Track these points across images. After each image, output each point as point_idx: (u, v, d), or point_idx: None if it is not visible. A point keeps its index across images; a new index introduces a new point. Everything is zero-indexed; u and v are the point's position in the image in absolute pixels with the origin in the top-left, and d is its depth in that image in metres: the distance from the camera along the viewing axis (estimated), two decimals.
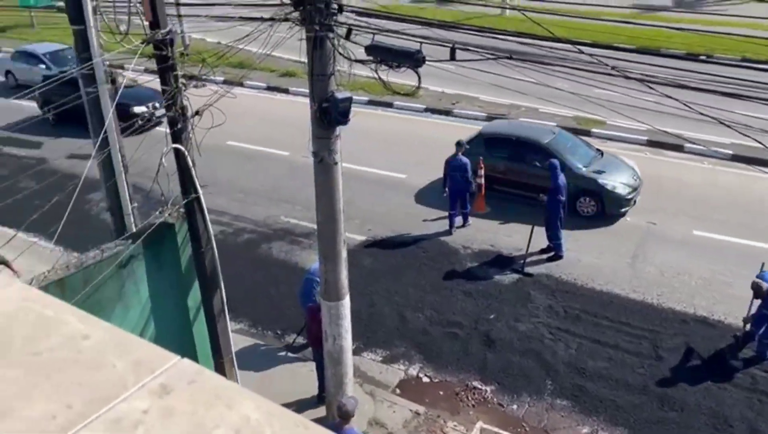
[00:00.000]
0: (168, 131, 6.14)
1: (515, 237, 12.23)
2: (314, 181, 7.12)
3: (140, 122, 6.85)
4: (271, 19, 6.28)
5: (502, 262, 11.66)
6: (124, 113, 9.54)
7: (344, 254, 7.34)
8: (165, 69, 5.96)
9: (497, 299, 10.68)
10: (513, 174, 13.21)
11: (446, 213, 12.76)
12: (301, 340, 9.81)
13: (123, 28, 6.14)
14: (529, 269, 11.37)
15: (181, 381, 1.06)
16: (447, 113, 18.76)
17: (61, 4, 26.93)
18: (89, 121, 6.29)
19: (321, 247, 7.31)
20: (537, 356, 9.44)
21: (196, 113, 6.16)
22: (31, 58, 21.21)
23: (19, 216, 10.67)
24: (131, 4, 5.96)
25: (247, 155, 16.19)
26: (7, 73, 21.76)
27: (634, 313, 10.27)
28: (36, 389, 1.03)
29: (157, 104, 16.29)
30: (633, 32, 19.04)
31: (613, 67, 6.29)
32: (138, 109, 16.30)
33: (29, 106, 18.20)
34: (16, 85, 20.86)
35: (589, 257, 11.73)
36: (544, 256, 11.75)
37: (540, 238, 11.66)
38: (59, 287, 5.27)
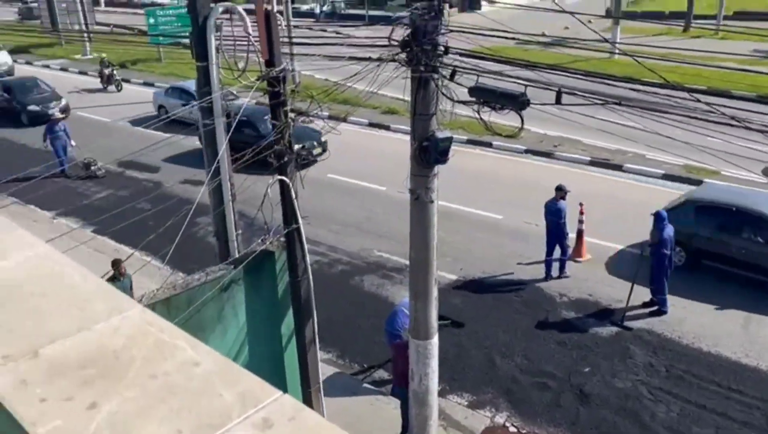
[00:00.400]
0: (275, 163, 6.41)
1: (616, 288, 11.68)
2: (410, 218, 7.17)
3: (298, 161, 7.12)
4: (379, 59, 6.47)
5: (600, 313, 11.15)
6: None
7: (435, 292, 7.30)
8: (276, 105, 6.27)
9: (593, 352, 10.19)
10: (730, 249, 11.47)
11: (543, 258, 12.42)
12: (385, 375, 9.79)
13: (241, 65, 6.53)
14: (629, 323, 10.80)
15: (283, 417, 1.09)
16: (548, 155, 18.40)
17: (186, 41, 28.75)
18: (204, 151, 6.70)
19: (412, 284, 7.31)
20: (634, 416, 8.89)
21: (303, 146, 6.41)
22: (184, 93, 21.88)
23: (135, 236, 11.43)
24: (250, 44, 6.34)
25: (346, 188, 16.58)
26: (160, 107, 22.82)
27: (746, 380, 9.46)
28: (151, 410, 1.09)
29: (315, 142, 16.22)
30: (754, 80, 18.01)
31: (732, 117, 5.96)
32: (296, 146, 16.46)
33: (167, 136, 19.63)
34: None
35: (695, 316, 10.99)
36: (647, 310, 11.14)
37: (643, 291, 11.08)
38: (165, 305, 5.58)
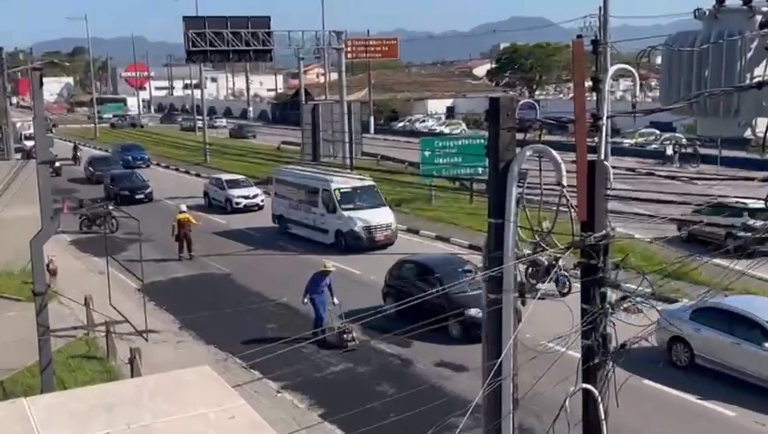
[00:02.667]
0: (580, 364, 6.31)
1: None
2: None
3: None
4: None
5: None
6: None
7: None
8: (590, 283, 6.26)
9: None
10: None
11: None
12: None
13: (546, 225, 6.72)
14: None
15: None
16: None
17: (462, 177, 30.36)
18: (483, 335, 6.87)
19: None
20: None
21: (623, 346, 6.25)
22: None
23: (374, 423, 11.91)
24: (561, 197, 6.53)
25: (659, 399, 15.63)
26: None
27: None
28: None
29: None
30: None
31: None
32: None
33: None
34: None
35: None
36: None
37: None
38: None
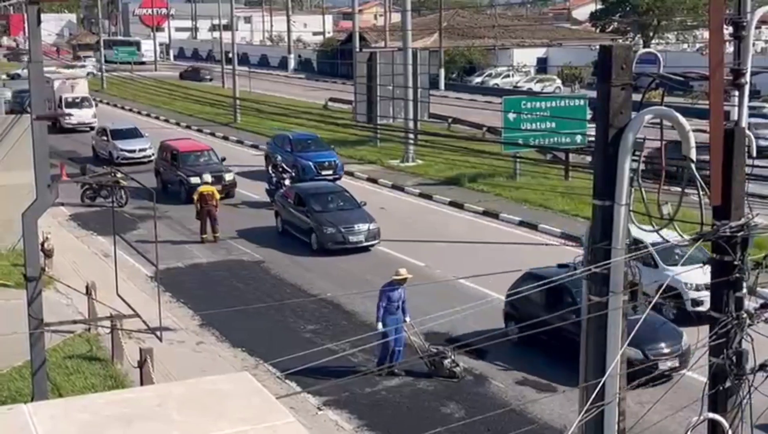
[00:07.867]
0: (706, 388, 6.25)
1: None
2: None
3: None
4: None
5: None
6: None
7: None
8: (723, 285, 6.18)
9: None
10: None
11: None
12: None
13: (667, 210, 6.64)
14: None
15: None
16: None
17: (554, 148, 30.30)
18: (582, 347, 6.83)
19: None
20: None
21: (762, 367, 6.18)
22: None
23: None
24: (688, 175, 6.43)
25: None
26: None
27: None
28: None
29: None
30: None
31: None
32: None
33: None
34: None
35: None
36: None
37: None
38: None
